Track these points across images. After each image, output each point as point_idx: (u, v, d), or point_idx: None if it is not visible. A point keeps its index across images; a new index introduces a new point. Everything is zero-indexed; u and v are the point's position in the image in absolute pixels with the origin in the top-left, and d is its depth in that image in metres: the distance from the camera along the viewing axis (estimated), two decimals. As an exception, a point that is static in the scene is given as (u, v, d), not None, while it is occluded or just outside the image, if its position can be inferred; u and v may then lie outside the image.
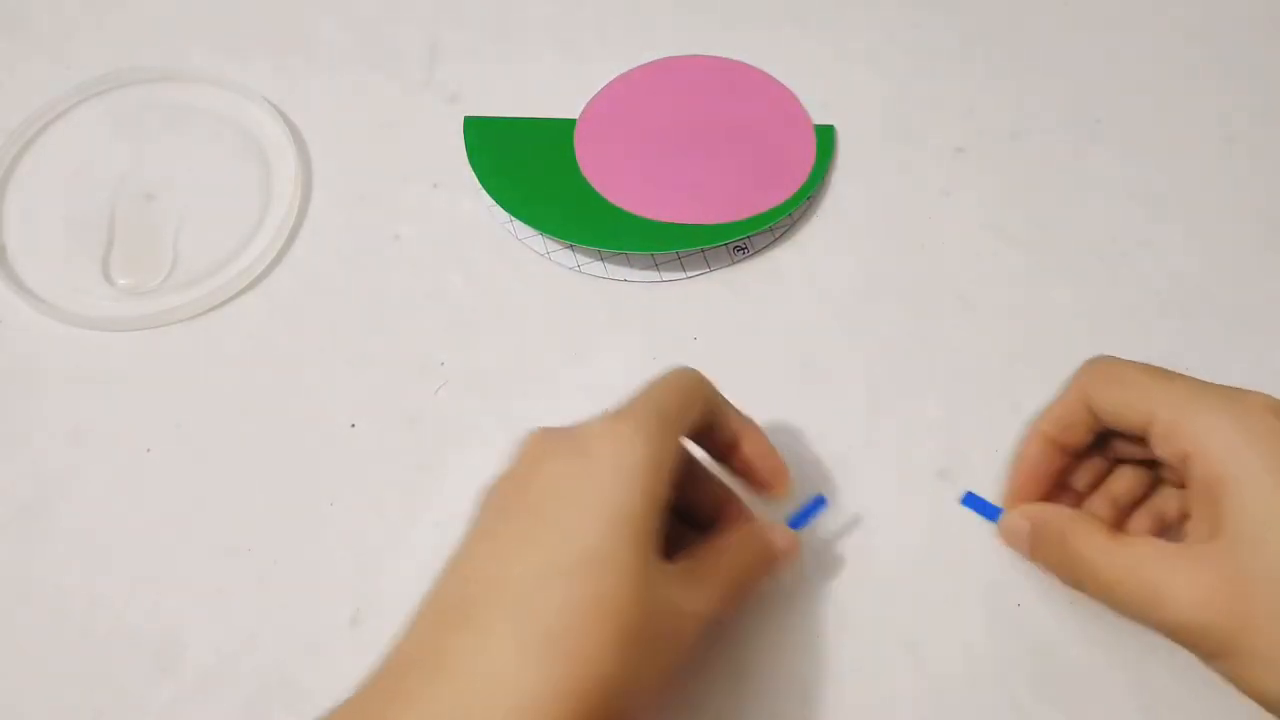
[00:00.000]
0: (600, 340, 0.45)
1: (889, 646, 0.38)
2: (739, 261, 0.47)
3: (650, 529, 0.30)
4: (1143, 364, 0.34)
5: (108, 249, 0.47)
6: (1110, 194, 0.49)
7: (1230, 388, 0.31)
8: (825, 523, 0.41)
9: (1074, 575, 0.33)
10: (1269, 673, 0.28)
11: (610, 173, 0.48)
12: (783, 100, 0.51)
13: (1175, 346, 0.45)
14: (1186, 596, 0.29)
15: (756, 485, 0.36)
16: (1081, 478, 0.37)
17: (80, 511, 0.41)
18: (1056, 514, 0.34)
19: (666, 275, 0.46)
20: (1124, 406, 0.32)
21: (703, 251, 0.47)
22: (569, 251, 0.47)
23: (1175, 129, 0.51)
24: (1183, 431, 0.30)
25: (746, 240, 0.47)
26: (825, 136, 0.50)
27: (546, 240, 0.47)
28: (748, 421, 0.36)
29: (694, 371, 0.35)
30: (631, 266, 0.46)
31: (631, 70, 0.52)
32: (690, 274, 0.46)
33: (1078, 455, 0.36)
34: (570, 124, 0.50)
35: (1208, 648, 0.29)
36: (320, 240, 0.47)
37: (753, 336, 0.45)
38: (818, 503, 0.39)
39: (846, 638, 0.38)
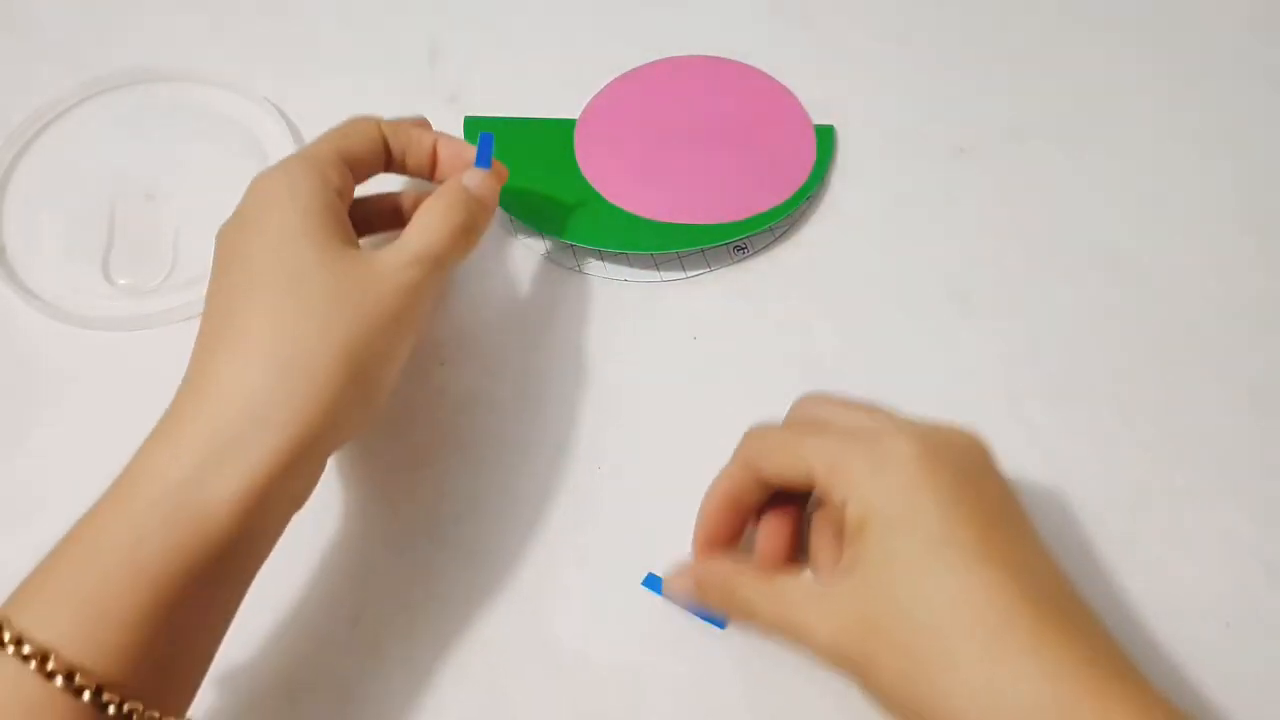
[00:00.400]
0: (599, 340, 0.45)
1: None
2: (739, 261, 0.47)
3: (323, 230, 0.35)
4: (797, 424, 0.37)
5: (108, 249, 0.47)
6: (1110, 194, 0.49)
7: (877, 435, 0.33)
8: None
9: (742, 617, 0.35)
10: (891, 695, 0.31)
11: (610, 173, 0.48)
12: (782, 100, 0.51)
13: (1175, 346, 0.45)
14: (825, 632, 0.32)
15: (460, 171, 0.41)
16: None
17: (79, 511, 0.41)
18: (718, 568, 0.36)
19: (666, 275, 0.47)
20: (785, 469, 0.35)
21: (703, 251, 0.47)
22: (569, 251, 0.47)
23: (1174, 129, 0.51)
24: (835, 483, 0.33)
25: (746, 240, 0.47)
26: (825, 137, 0.50)
27: (546, 240, 0.47)
28: (430, 130, 0.42)
29: (361, 118, 0.41)
30: (632, 266, 0.47)
31: (631, 70, 0.52)
32: (690, 273, 0.47)
33: (757, 508, 0.37)
34: (570, 124, 0.50)
35: (848, 672, 0.32)
36: (320, 240, 0.47)
37: (753, 336, 0.45)
38: (486, 139, 0.41)
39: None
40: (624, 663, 0.38)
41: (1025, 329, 0.45)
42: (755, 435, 0.37)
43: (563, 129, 0.49)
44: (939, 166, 0.50)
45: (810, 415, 0.36)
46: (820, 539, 0.36)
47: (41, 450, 0.42)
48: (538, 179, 0.47)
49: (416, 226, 0.37)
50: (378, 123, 0.41)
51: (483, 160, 0.41)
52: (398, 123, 0.42)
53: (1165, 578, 0.39)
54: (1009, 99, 0.52)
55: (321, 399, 0.33)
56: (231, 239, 0.36)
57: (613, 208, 0.47)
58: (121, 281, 0.46)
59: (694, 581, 0.37)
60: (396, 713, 0.37)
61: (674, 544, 0.38)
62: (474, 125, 0.49)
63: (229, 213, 0.38)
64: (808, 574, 0.36)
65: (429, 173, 0.42)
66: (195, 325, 0.45)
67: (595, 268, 0.47)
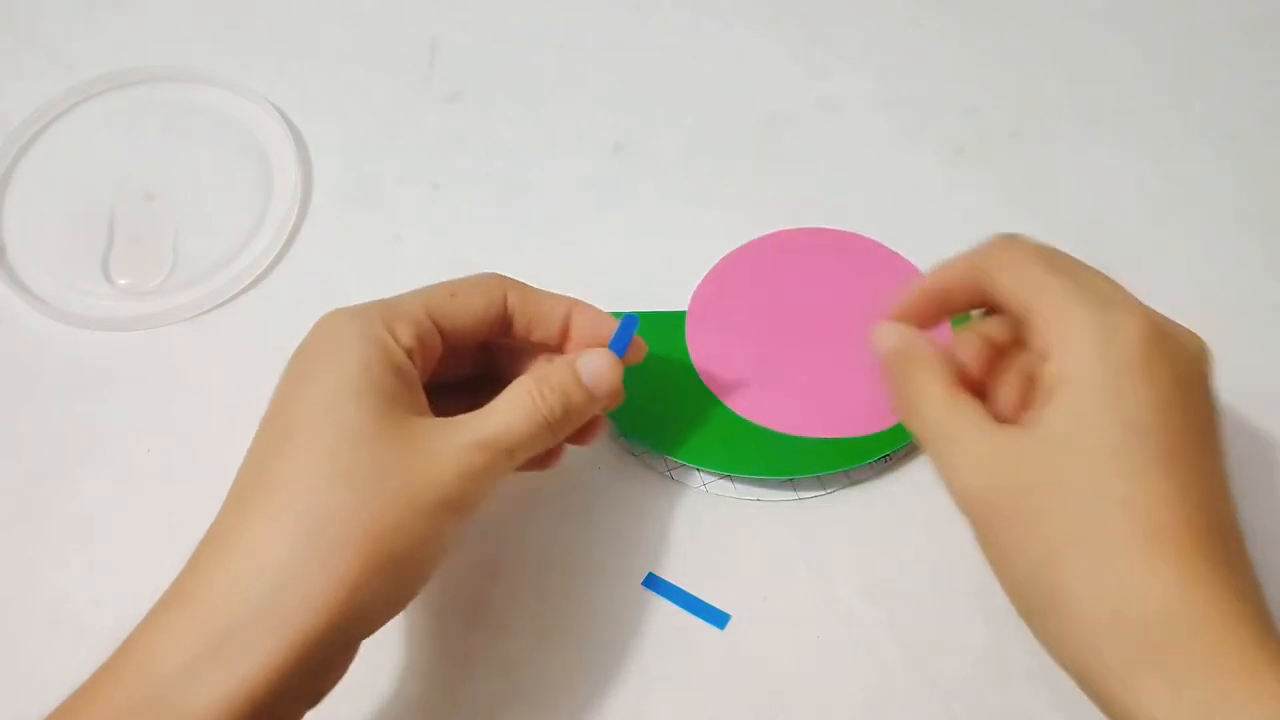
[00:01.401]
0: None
1: (889, 646, 0.38)
2: (884, 474, 0.42)
3: (384, 395, 0.31)
4: (1043, 249, 0.34)
5: (108, 249, 0.47)
6: (1110, 194, 0.49)
7: (1113, 302, 0.32)
8: (825, 522, 0.41)
9: (903, 403, 0.34)
10: (1008, 560, 0.30)
11: (730, 376, 0.42)
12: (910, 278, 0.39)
13: (1175, 346, 0.45)
14: (974, 472, 0.31)
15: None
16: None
17: (80, 511, 0.41)
18: (918, 339, 0.35)
19: (803, 493, 0.41)
20: (1013, 293, 0.33)
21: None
22: (693, 470, 0.42)
23: (1175, 129, 0.51)
24: (1051, 332, 0.31)
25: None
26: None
27: (664, 459, 0.42)
28: (568, 298, 0.37)
29: (489, 277, 0.36)
30: (765, 486, 0.41)
31: (741, 247, 0.46)
32: (829, 490, 0.41)
33: (954, 312, 0.37)
34: (680, 317, 0.44)
35: (974, 519, 0.31)
36: (320, 240, 0.47)
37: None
38: (629, 321, 0.36)
39: (846, 638, 0.39)
40: (624, 663, 0.38)
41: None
42: (1002, 244, 0.34)
43: (673, 323, 0.44)
44: (938, 166, 0.50)
45: (1050, 254, 0.34)
46: (1005, 381, 0.34)
47: (41, 450, 0.42)
48: (650, 387, 0.41)
49: (499, 405, 0.33)
50: (505, 286, 0.36)
51: (619, 343, 0.36)
52: (531, 291, 0.36)
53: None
54: (1009, 98, 0.52)
55: (345, 582, 0.29)
56: (285, 383, 0.33)
57: (738, 420, 0.41)
58: (121, 281, 0.46)
59: (890, 339, 0.35)
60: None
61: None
62: None
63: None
64: (983, 409, 0.33)
65: (558, 347, 0.37)
66: (195, 325, 0.45)
67: (721, 486, 0.41)
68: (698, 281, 0.45)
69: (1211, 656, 0.27)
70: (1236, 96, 0.52)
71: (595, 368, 0.35)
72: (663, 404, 0.42)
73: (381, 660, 0.38)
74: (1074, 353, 0.30)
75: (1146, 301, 0.46)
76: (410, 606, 0.37)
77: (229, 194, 0.48)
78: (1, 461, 0.42)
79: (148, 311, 0.45)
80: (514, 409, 0.33)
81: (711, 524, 0.41)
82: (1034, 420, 0.30)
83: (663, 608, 0.39)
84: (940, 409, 0.32)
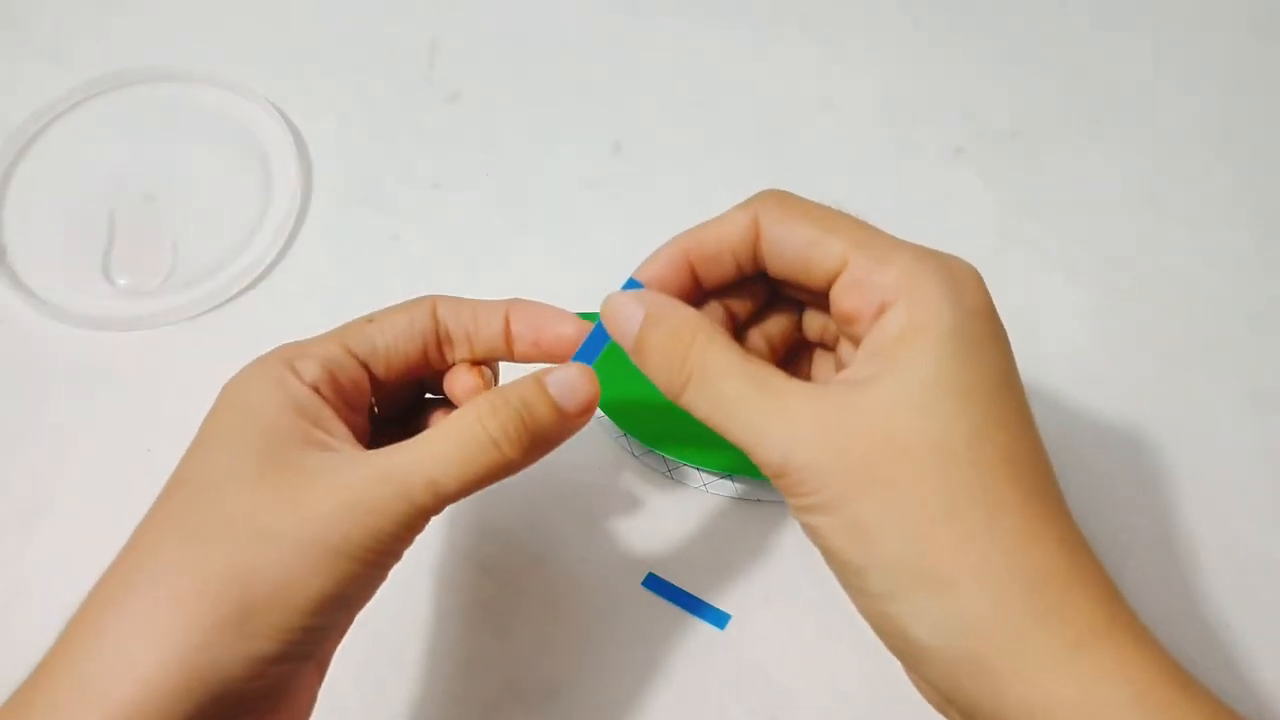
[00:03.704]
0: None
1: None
2: None
3: (272, 445, 0.28)
4: (822, 205, 0.29)
5: (108, 249, 0.47)
6: (1110, 194, 0.49)
7: (941, 255, 0.28)
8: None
9: (684, 386, 0.29)
10: (846, 539, 0.26)
11: None
12: None
13: (1175, 347, 0.45)
14: (797, 435, 0.26)
15: (551, 351, 0.33)
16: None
17: (80, 511, 0.41)
18: (682, 309, 0.29)
19: None
20: (810, 245, 0.28)
21: None
22: (693, 470, 0.41)
23: (1175, 129, 0.51)
24: (885, 279, 0.27)
25: None
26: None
27: (665, 459, 0.41)
28: (501, 301, 0.33)
29: (417, 300, 0.33)
30: (765, 486, 0.41)
31: None
32: None
33: (691, 295, 0.31)
34: None
35: (798, 493, 0.27)
36: (320, 240, 0.47)
37: None
38: (598, 332, 0.31)
39: (846, 637, 0.39)
40: (624, 663, 0.38)
41: (1026, 329, 0.45)
42: (778, 195, 0.30)
43: None
44: (938, 167, 0.50)
45: (802, 210, 0.29)
46: (814, 365, 0.32)
47: (42, 450, 0.42)
48: (648, 386, 0.41)
49: (430, 431, 0.29)
50: (433, 301, 0.33)
51: (591, 350, 0.31)
52: (463, 300, 0.33)
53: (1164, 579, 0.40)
54: (1009, 99, 0.52)
55: (177, 641, 0.26)
56: (187, 455, 0.30)
57: None
58: (121, 281, 0.46)
59: (645, 310, 0.29)
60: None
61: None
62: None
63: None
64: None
65: (507, 355, 0.33)
66: (195, 325, 0.45)
67: (722, 487, 0.41)
68: None
69: (1105, 615, 0.25)
70: (1236, 96, 0.52)
71: (563, 377, 0.30)
72: (663, 404, 0.42)
73: (381, 660, 0.38)
74: (929, 301, 0.27)
75: (1145, 300, 0.46)
76: (411, 607, 0.38)
77: (229, 194, 0.48)
78: (1, 461, 0.42)
79: (148, 311, 0.45)
80: (447, 434, 0.28)
81: (711, 524, 0.41)
82: (876, 371, 0.27)
83: (663, 608, 0.39)
84: (742, 377, 0.27)
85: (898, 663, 0.38)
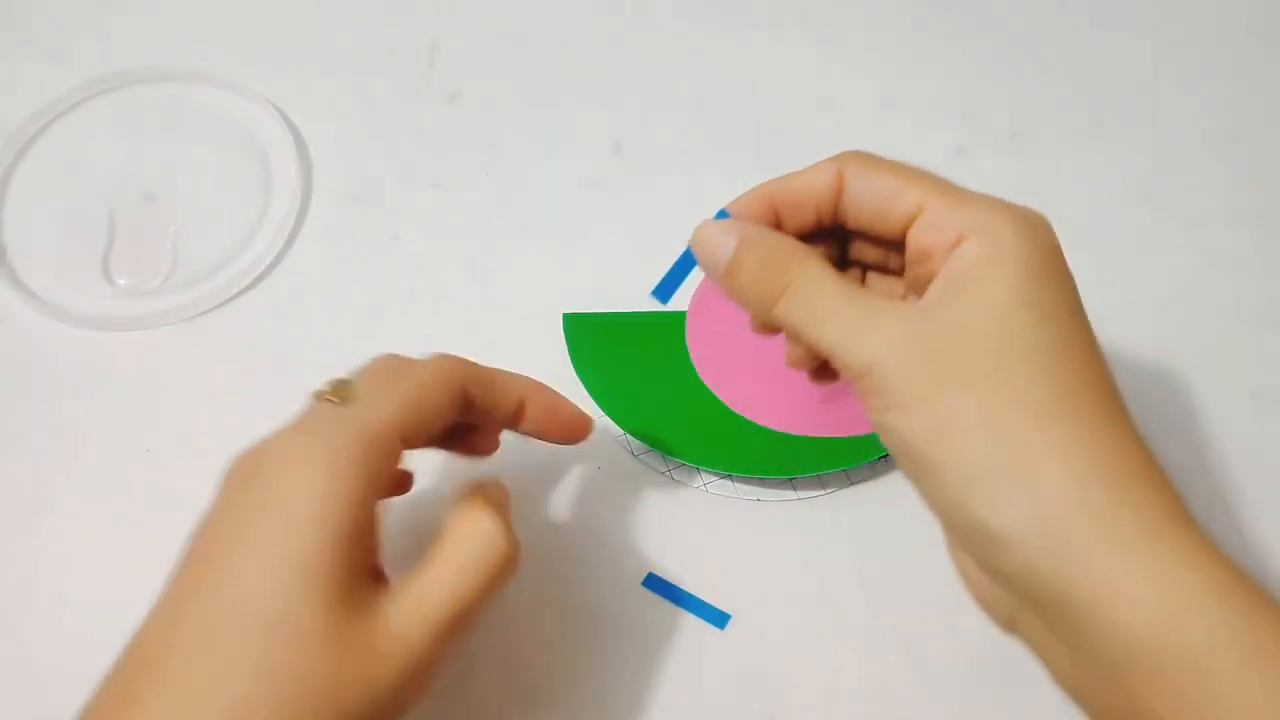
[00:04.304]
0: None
1: (889, 647, 0.38)
2: (884, 474, 0.42)
3: (336, 572, 0.27)
4: (901, 161, 0.32)
5: (108, 249, 0.47)
6: (1110, 194, 0.49)
7: (1013, 204, 0.31)
8: (825, 522, 0.41)
9: (776, 300, 0.30)
10: (921, 434, 0.28)
11: (730, 376, 0.42)
12: None
13: (1175, 346, 0.45)
14: (879, 344, 0.28)
15: (558, 437, 0.35)
16: None
17: (80, 511, 0.41)
18: (772, 233, 0.31)
19: (804, 493, 0.41)
20: (892, 193, 0.31)
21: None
22: (689, 468, 0.42)
23: (1175, 129, 0.51)
24: (962, 218, 0.29)
25: None
26: None
27: (665, 459, 0.42)
28: (525, 381, 0.34)
29: (446, 359, 0.32)
30: (765, 486, 0.42)
31: None
32: (829, 490, 0.41)
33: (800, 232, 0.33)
34: (680, 317, 0.44)
35: (872, 390, 0.28)
36: (320, 240, 0.47)
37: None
38: (684, 260, 0.34)
39: (846, 637, 0.39)
40: (624, 663, 0.38)
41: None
42: (861, 153, 0.32)
43: (672, 324, 0.44)
44: (938, 167, 0.50)
45: (881, 164, 0.32)
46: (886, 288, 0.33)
47: (42, 450, 0.42)
48: (650, 386, 0.41)
49: (441, 569, 0.29)
50: (463, 380, 0.32)
51: (674, 279, 0.35)
52: (486, 376, 0.33)
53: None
54: (1009, 99, 0.52)
55: None
56: (225, 524, 0.29)
57: (738, 419, 0.41)
58: (121, 281, 0.46)
59: (739, 236, 0.31)
60: None
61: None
62: (574, 323, 0.44)
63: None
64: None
65: (509, 427, 0.35)
66: (195, 325, 0.45)
67: (722, 487, 0.41)
68: (698, 282, 0.45)
69: (1176, 511, 0.27)
70: (1236, 96, 0.52)
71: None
72: (663, 404, 0.42)
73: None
74: (1004, 237, 0.29)
75: (1145, 300, 0.46)
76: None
77: (229, 194, 0.48)
78: (1, 461, 0.42)
79: (148, 311, 0.45)
80: (464, 568, 0.29)
81: (711, 524, 0.41)
82: (948, 294, 0.28)
83: (663, 608, 0.39)
84: (836, 289, 0.30)
85: (898, 663, 0.38)
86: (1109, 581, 0.26)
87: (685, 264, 0.45)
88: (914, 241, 0.30)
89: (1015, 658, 0.38)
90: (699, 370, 0.43)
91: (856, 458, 0.41)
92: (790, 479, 0.41)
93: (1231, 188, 0.49)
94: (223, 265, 0.46)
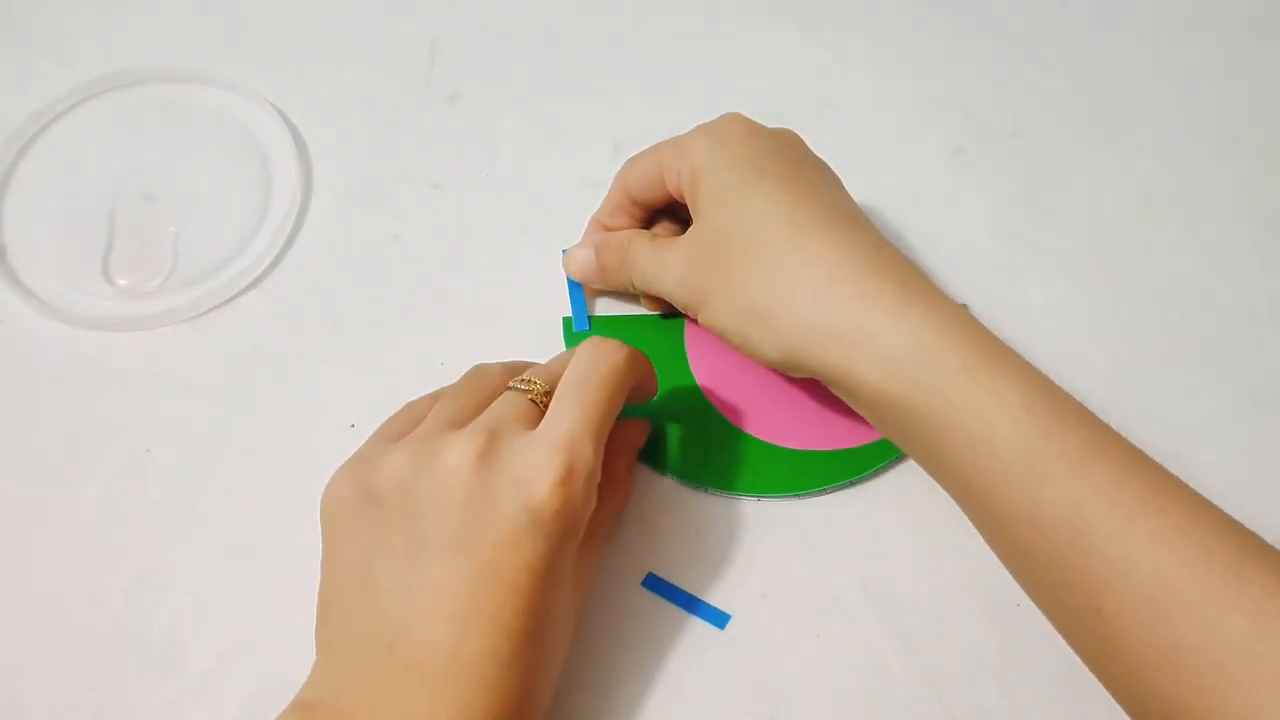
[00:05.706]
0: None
1: (889, 646, 0.38)
2: (883, 474, 0.42)
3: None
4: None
5: (108, 249, 0.47)
6: (1110, 194, 0.49)
7: (714, 120, 0.39)
8: (825, 522, 0.41)
9: (624, 273, 0.41)
10: (718, 315, 0.37)
11: (727, 380, 0.42)
12: None
13: (1175, 346, 0.45)
14: (675, 271, 0.38)
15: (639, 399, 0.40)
16: None
17: (80, 511, 0.41)
18: (614, 233, 0.42)
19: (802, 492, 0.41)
20: (646, 174, 0.40)
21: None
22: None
23: (1175, 129, 0.51)
24: (681, 163, 0.39)
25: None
26: None
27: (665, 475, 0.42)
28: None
29: (622, 352, 0.36)
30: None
31: None
32: (829, 490, 0.41)
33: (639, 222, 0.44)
34: (679, 321, 0.44)
35: (691, 304, 0.38)
36: (320, 240, 0.47)
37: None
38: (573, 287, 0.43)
39: (846, 637, 0.39)
40: (624, 663, 0.38)
41: (1026, 330, 0.45)
42: (634, 156, 0.42)
43: (671, 329, 0.44)
44: (938, 167, 0.50)
45: (639, 158, 0.42)
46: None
47: (42, 451, 0.42)
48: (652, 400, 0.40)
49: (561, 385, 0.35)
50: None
51: (578, 309, 0.44)
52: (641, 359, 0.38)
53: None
54: (1009, 99, 0.52)
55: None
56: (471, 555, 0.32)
57: (735, 433, 0.41)
58: (121, 281, 0.46)
59: (593, 247, 0.42)
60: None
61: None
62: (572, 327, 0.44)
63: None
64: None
65: None
66: (195, 325, 0.45)
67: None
68: None
69: (922, 279, 0.36)
70: (1236, 96, 0.52)
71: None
72: (660, 409, 0.42)
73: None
74: (694, 156, 0.38)
75: (1145, 300, 0.46)
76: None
77: (229, 194, 0.48)
78: (1, 461, 0.42)
79: (148, 311, 0.45)
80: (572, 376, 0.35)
81: (711, 524, 0.41)
82: (693, 220, 0.39)
83: (663, 608, 0.39)
84: (649, 252, 0.40)
85: (898, 663, 0.38)
86: (876, 345, 0.34)
87: None
88: (674, 193, 0.40)
89: (1015, 657, 0.38)
90: (695, 373, 0.43)
91: (858, 469, 0.41)
92: None
93: (1231, 188, 0.49)
94: (223, 265, 0.46)
